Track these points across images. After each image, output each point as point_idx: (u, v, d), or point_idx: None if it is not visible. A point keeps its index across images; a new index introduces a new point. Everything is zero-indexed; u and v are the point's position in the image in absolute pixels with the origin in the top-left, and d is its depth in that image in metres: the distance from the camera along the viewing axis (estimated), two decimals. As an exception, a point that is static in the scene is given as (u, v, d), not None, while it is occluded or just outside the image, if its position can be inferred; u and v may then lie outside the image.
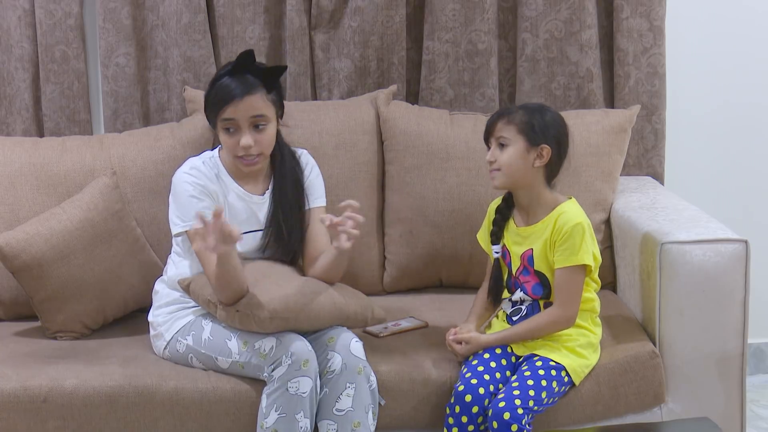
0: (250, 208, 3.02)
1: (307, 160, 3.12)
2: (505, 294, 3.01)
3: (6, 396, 2.84)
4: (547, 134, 2.88)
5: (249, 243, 3.00)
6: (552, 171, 2.92)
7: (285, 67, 3.05)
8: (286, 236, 3.01)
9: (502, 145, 2.89)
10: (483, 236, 3.07)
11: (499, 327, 3.00)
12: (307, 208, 3.08)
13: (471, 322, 3.00)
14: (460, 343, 2.94)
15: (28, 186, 3.32)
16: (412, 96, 3.74)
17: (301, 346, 2.80)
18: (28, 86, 3.63)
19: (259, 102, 2.91)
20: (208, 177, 2.97)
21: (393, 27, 3.65)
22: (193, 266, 3.01)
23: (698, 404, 3.01)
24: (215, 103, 2.92)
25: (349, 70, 3.68)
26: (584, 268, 2.89)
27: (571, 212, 2.90)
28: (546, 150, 2.88)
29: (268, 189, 3.04)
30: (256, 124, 2.92)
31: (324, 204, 3.11)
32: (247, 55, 2.91)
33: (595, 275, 2.95)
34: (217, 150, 3.06)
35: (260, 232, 3.03)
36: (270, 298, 2.82)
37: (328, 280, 2.97)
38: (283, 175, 3.04)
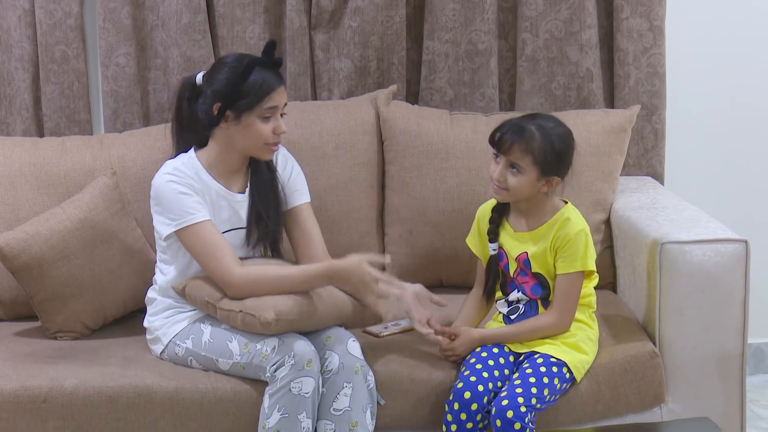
0: (231, 207, 3.01)
1: (285, 157, 3.11)
2: (499, 295, 3.02)
3: (6, 396, 2.84)
4: (560, 167, 2.88)
5: (234, 240, 2.99)
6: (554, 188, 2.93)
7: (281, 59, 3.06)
8: (268, 231, 3.01)
9: (512, 167, 2.86)
10: (473, 240, 3.07)
11: (495, 327, 3.01)
12: (292, 205, 3.07)
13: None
14: (452, 339, 2.94)
15: (28, 186, 3.32)
16: (412, 96, 3.74)
17: (304, 346, 2.80)
18: (28, 86, 3.63)
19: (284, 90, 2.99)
20: (191, 176, 2.95)
21: (393, 27, 3.65)
22: (180, 271, 3.00)
23: (698, 404, 3.01)
24: (260, 92, 2.91)
25: (349, 70, 3.68)
26: (584, 274, 2.91)
27: (574, 219, 2.91)
28: (556, 181, 2.88)
29: (247, 186, 3.04)
30: (282, 112, 2.97)
31: (309, 200, 3.11)
32: (274, 47, 2.94)
33: (594, 272, 2.97)
34: (192, 151, 3.03)
35: (243, 230, 3.02)
36: (274, 301, 2.81)
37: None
38: (259, 170, 3.04)
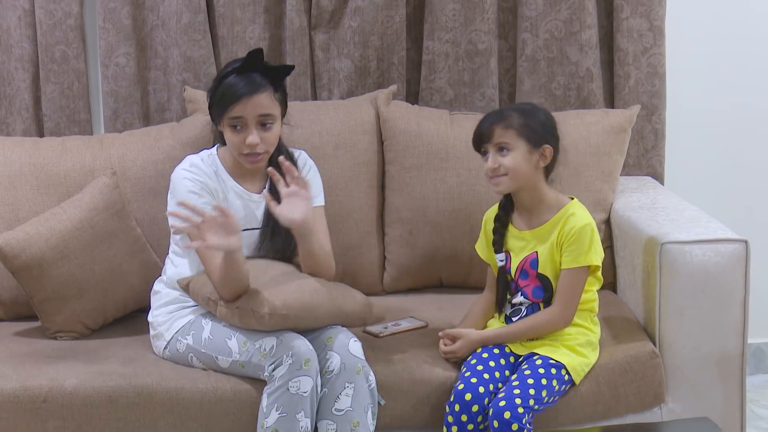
0: (248, 206, 3.02)
1: (305, 160, 3.13)
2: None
3: (6, 396, 2.84)
4: (546, 134, 2.89)
5: (246, 241, 2.99)
6: (550, 168, 2.93)
7: (292, 67, 3.06)
8: (283, 235, 3.01)
9: (502, 150, 2.88)
10: (481, 247, 3.06)
11: (496, 327, 3.00)
12: None
13: (465, 326, 3.01)
14: (453, 341, 2.94)
15: (28, 186, 3.32)
16: (412, 96, 3.74)
17: (302, 345, 2.80)
18: (28, 86, 3.63)
19: (266, 101, 2.93)
20: (207, 174, 2.98)
21: (393, 27, 3.65)
22: (193, 265, 3.01)
23: (698, 404, 3.02)
24: (223, 101, 2.92)
25: (349, 70, 3.68)
26: (588, 269, 2.90)
27: (579, 213, 2.90)
28: (548, 150, 2.88)
29: (265, 188, 3.04)
30: (264, 123, 2.94)
31: (322, 203, 3.11)
32: (257, 53, 2.92)
33: (599, 273, 2.95)
34: (215, 148, 3.06)
35: (258, 231, 3.03)
36: (270, 295, 2.82)
37: (316, 271, 2.97)
38: (280, 174, 3.04)
